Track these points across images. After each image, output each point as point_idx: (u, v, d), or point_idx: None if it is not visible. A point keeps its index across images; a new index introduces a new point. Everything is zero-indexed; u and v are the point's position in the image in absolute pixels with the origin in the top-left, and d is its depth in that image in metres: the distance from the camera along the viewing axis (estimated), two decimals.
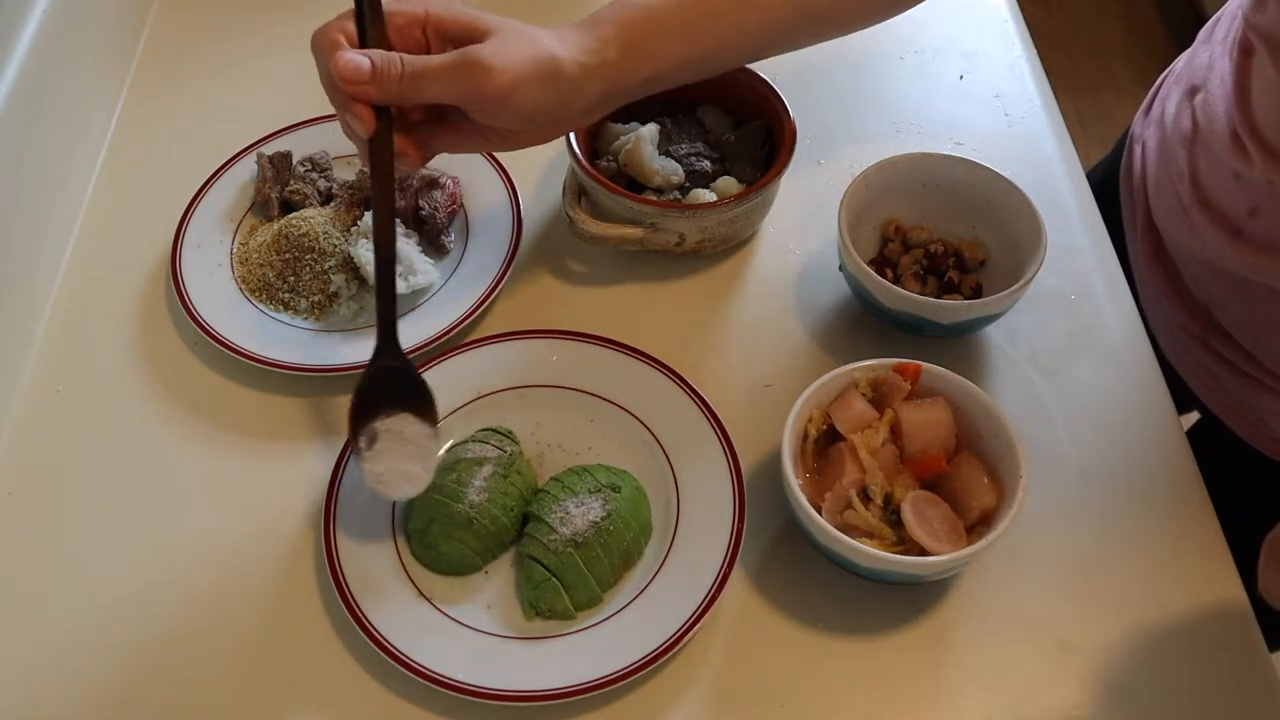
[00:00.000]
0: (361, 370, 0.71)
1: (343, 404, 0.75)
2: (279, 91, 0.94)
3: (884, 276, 0.76)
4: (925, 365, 0.69)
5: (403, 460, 0.68)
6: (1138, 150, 0.92)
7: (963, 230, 0.81)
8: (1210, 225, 0.78)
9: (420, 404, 0.69)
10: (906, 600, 0.68)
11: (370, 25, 0.67)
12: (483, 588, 0.68)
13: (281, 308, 0.80)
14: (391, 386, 0.69)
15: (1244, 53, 0.74)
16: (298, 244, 0.80)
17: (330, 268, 0.80)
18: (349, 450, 0.71)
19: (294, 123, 0.89)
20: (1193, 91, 0.82)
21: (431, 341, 0.77)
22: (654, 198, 0.81)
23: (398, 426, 0.68)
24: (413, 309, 0.79)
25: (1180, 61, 0.89)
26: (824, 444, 0.69)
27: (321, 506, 0.70)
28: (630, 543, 0.68)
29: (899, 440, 0.68)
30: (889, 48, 0.98)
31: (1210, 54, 0.81)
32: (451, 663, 0.64)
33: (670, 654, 0.64)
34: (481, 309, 0.78)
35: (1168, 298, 0.87)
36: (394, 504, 0.70)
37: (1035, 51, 0.99)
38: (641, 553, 0.69)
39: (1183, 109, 0.83)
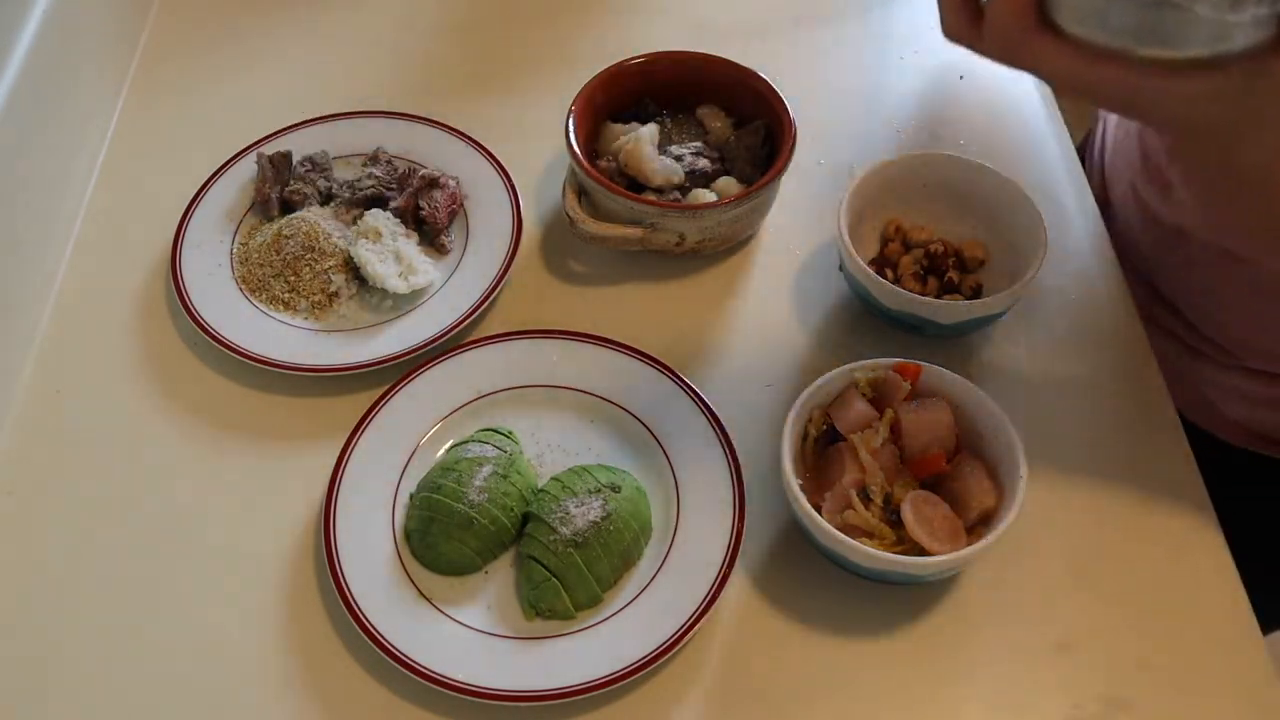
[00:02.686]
0: (362, 370, 0.75)
1: (343, 404, 0.76)
2: (279, 92, 0.94)
3: (884, 276, 0.76)
4: (925, 365, 0.69)
5: None
6: (1099, 129, 0.95)
7: (963, 230, 0.81)
8: (1158, 190, 0.81)
9: None
10: (906, 600, 0.68)
11: None
12: (483, 588, 0.68)
13: (281, 308, 0.80)
14: None
15: None
16: (298, 244, 0.80)
17: (330, 268, 0.80)
18: (349, 449, 0.72)
19: (294, 123, 0.89)
20: None
21: (431, 341, 0.77)
22: (654, 198, 0.81)
23: None
24: (413, 309, 0.79)
25: None
26: (824, 444, 0.69)
27: (321, 506, 0.70)
28: (630, 543, 0.68)
29: (899, 440, 0.68)
30: (889, 48, 0.98)
31: None
32: (451, 663, 0.64)
33: (670, 654, 0.64)
34: (481, 309, 0.78)
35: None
36: (394, 505, 0.70)
37: None
38: (641, 553, 0.69)
39: None
